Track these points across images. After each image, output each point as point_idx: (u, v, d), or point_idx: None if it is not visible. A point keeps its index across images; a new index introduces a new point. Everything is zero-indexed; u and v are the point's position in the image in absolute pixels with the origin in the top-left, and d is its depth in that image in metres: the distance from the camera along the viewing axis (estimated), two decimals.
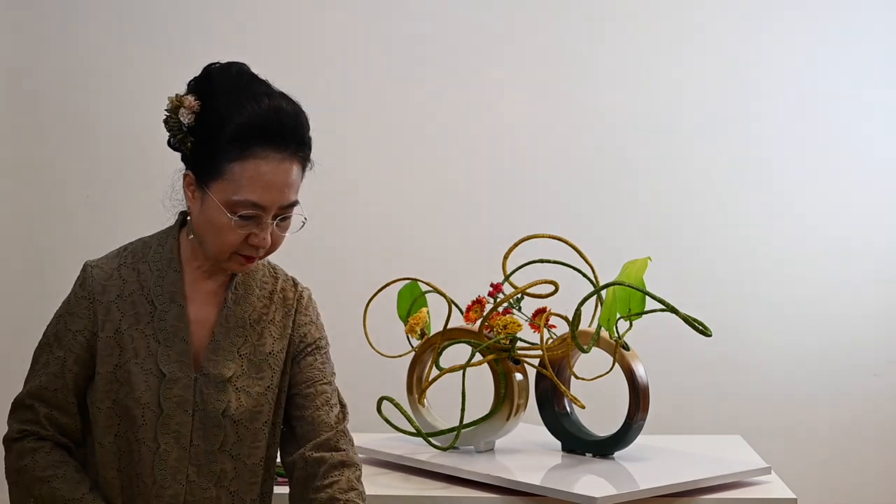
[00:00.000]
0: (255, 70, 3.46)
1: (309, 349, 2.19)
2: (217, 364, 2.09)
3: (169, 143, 2.10)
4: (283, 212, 2.06)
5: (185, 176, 2.07)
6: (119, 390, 2.06)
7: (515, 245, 2.76)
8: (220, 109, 2.02)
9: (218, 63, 2.09)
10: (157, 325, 2.07)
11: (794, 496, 2.47)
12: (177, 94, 2.06)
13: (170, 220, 2.16)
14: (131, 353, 2.06)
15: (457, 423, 2.66)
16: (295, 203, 2.07)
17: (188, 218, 2.10)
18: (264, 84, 2.07)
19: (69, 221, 3.57)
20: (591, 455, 2.66)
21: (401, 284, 2.86)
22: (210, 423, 2.08)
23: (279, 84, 3.37)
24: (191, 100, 2.03)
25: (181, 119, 2.03)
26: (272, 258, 2.18)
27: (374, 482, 2.56)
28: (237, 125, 2.00)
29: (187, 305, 2.10)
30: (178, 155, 2.11)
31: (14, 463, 2.07)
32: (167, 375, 2.06)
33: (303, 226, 2.11)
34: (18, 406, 2.09)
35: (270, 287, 2.18)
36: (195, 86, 2.07)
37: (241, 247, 2.05)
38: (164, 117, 2.08)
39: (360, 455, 2.72)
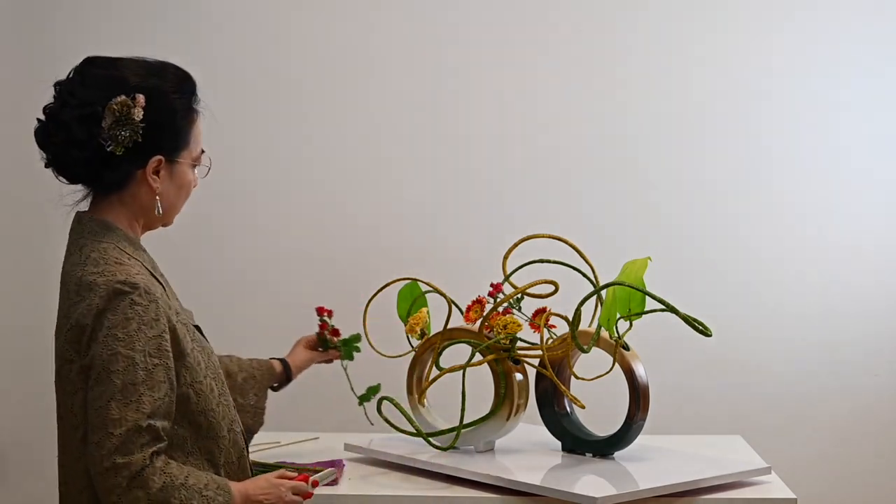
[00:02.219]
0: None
1: None
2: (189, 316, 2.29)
3: (102, 155, 2.12)
4: None
5: (151, 163, 2.15)
6: (208, 359, 2.20)
7: (515, 245, 2.76)
8: (159, 91, 2.14)
9: (85, 69, 2.16)
10: (170, 298, 2.19)
11: (794, 496, 2.47)
12: (120, 100, 2.11)
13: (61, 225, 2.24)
14: (189, 326, 2.19)
15: (457, 423, 2.66)
16: None
17: (157, 200, 2.17)
18: (141, 58, 2.21)
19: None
20: (591, 455, 2.66)
21: (401, 284, 2.86)
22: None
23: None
24: (140, 98, 2.12)
25: (135, 118, 2.11)
26: None
27: (374, 482, 2.56)
28: (182, 95, 2.17)
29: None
30: None
31: (154, 485, 2.02)
32: (199, 331, 2.25)
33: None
34: (134, 433, 2.02)
35: None
36: (115, 88, 2.12)
37: None
38: (110, 128, 2.11)
39: (360, 455, 2.74)
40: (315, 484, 2.22)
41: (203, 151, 2.23)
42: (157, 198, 2.17)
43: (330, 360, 2.85)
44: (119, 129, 2.11)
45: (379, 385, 2.79)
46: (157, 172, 2.16)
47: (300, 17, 3.60)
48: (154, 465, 2.03)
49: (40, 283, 3.52)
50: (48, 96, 2.17)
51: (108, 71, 2.14)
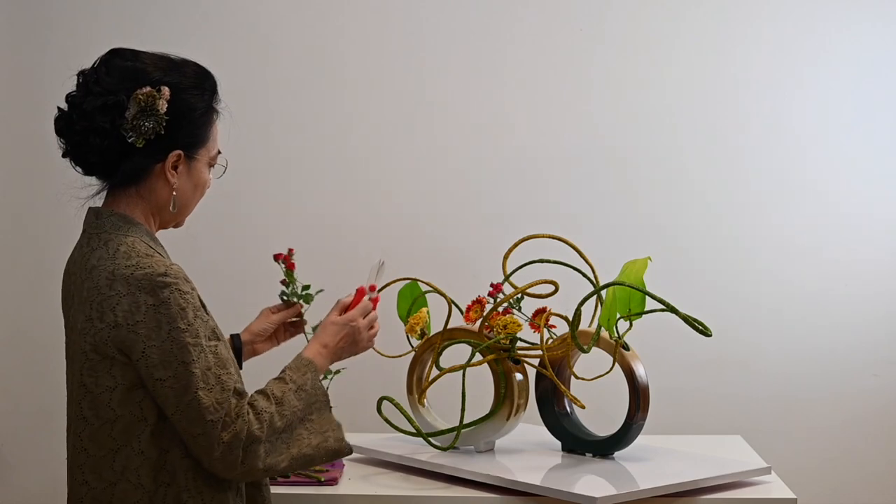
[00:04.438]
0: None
1: None
2: None
3: (122, 146, 2.13)
4: None
5: (170, 158, 2.16)
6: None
7: (515, 245, 2.76)
8: (179, 86, 2.15)
9: (110, 60, 2.17)
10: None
11: (794, 496, 2.47)
12: (146, 91, 2.12)
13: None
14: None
15: (457, 423, 2.66)
16: None
17: (174, 195, 2.18)
18: (164, 53, 2.22)
19: (69, 223, 3.56)
20: (591, 455, 2.66)
21: (401, 284, 2.86)
22: None
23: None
24: (165, 90, 2.13)
25: (160, 109, 2.12)
26: None
27: (374, 482, 2.56)
28: (202, 93, 2.18)
29: None
30: None
31: (261, 432, 2.11)
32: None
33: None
34: (226, 411, 2.08)
35: None
36: (140, 79, 2.13)
37: None
38: (134, 118, 2.12)
39: (360, 455, 2.74)
40: (372, 289, 2.31)
41: (220, 152, 2.24)
42: (174, 193, 2.18)
43: (300, 317, 2.64)
44: (143, 119, 2.12)
45: (310, 287, 2.63)
46: (175, 167, 2.17)
47: (302, 17, 3.60)
48: (248, 417, 2.10)
49: (40, 283, 3.53)
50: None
51: (133, 63, 2.15)
